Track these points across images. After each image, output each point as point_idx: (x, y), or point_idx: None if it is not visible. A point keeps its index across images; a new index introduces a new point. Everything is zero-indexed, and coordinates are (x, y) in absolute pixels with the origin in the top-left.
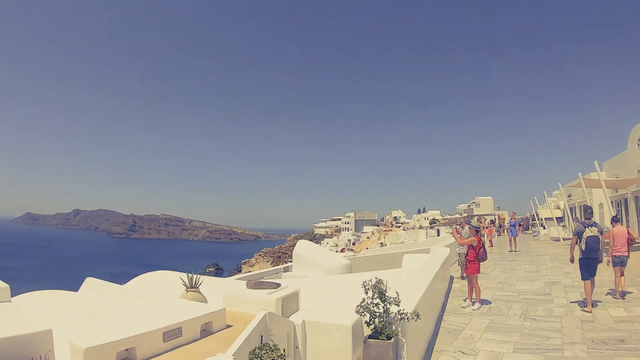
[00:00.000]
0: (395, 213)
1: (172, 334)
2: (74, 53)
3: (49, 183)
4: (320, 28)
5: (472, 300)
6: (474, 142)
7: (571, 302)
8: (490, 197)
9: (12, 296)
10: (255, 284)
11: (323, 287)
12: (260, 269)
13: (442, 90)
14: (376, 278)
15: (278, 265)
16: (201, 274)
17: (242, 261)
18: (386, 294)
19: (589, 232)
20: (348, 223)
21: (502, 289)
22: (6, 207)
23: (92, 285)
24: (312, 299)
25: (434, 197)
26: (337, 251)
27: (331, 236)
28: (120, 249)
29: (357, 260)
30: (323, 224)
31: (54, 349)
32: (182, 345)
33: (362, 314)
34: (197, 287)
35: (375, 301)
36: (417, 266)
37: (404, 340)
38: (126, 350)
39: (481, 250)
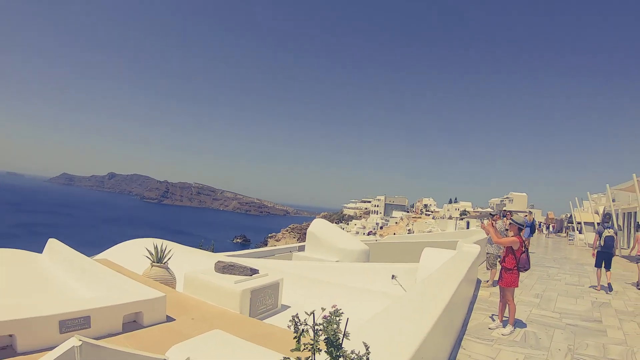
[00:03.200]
0: (426, 200)
1: (73, 324)
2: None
3: (86, 145)
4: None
5: (504, 319)
6: (513, 136)
7: (629, 336)
8: (524, 193)
9: None
10: (225, 267)
11: (326, 276)
12: (286, 244)
13: (490, 84)
14: (334, 307)
15: (304, 242)
16: (228, 245)
17: (269, 235)
18: (342, 345)
19: (607, 233)
20: (377, 206)
21: (539, 306)
22: (43, 166)
23: (52, 248)
24: (304, 290)
25: (467, 188)
26: (364, 233)
27: (360, 218)
28: (151, 214)
29: (377, 246)
30: (353, 205)
31: None
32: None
33: None
34: (163, 262)
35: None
36: (438, 264)
37: None
38: (10, 336)
39: (523, 255)
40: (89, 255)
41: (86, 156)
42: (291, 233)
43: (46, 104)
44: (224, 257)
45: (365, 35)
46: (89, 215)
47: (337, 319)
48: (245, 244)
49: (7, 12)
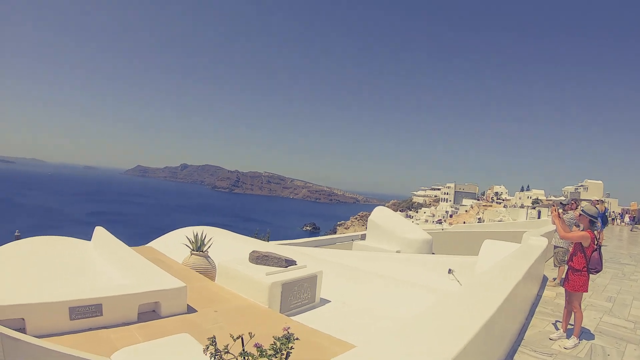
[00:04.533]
0: (497, 188)
1: (84, 311)
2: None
3: (160, 138)
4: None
5: (568, 328)
6: (588, 122)
7: None
8: (600, 181)
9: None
10: (260, 257)
11: (377, 268)
12: (355, 232)
13: (563, 66)
14: (285, 330)
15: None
16: (298, 232)
17: (338, 222)
18: None
19: None
20: (447, 194)
21: (611, 312)
22: (119, 159)
23: (98, 236)
24: (349, 283)
25: (540, 175)
26: (433, 222)
27: (429, 206)
28: (223, 202)
29: (443, 235)
30: (422, 193)
31: None
32: (101, 327)
33: None
34: (203, 251)
35: None
36: (497, 258)
37: None
38: (22, 319)
39: (595, 254)
40: (144, 244)
41: (160, 148)
42: (360, 221)
43: (121, 101)
44: (275, 245)
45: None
46: (160, 204)
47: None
48: (314, 232)
49: (90, 15)
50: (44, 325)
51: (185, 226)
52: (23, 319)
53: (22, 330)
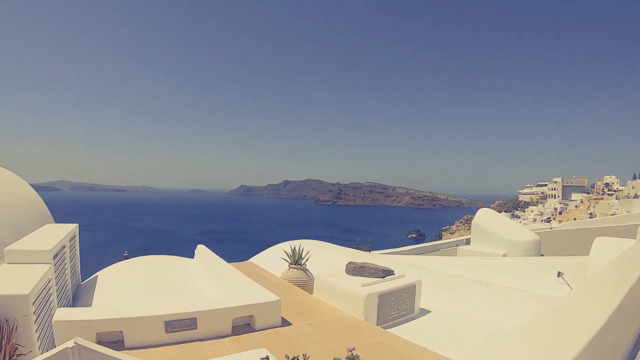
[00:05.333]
0: (607, 179)
1: (179, 325)
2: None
3: (262, 157)
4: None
5: None
6: None
7: None
8: None
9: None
10: (356, 268)
11: (482, 274)
12: (460, 237)
13: None
14: (349, 352)
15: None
16: (402, 240)
17: (443, 228)
18: None
19: None
20: (554, 189)
21: None
22: (224, 180)
23: (199, 253)
24: (451, 293)
25: None
26: (541, 221)
27: (536, 203)
28: (325, 215)
29: (552, 234)
30: (528, 190)
31: (31, 314)
32: (196, 340)
33: None
34: (301, 264)
35: None
36: (611, 257)
37: None
38: (121, 332)
39: None
40: (247, 259)
41: (262, 166)
42: (465, 225)
43: (222, 124)
44: (375, 255)
45: None
46: (265, 220)
47: None
48: (420, 239)
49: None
50: (140, 338)
51: (290, 240)
52: (121, 332)
53: (120, 342)
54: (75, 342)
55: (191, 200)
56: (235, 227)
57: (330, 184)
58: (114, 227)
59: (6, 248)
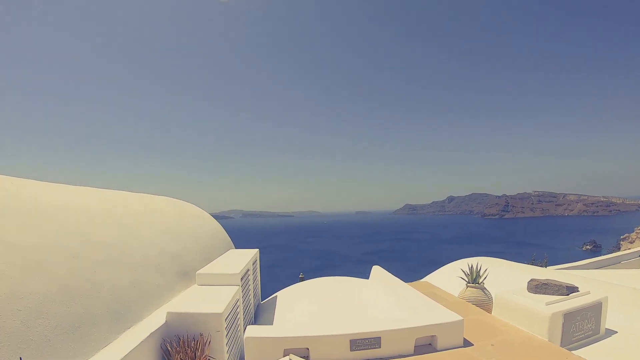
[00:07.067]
0: None
1: (363, 343)
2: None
3: (425, 174)
4: None
5: None
6: None
7: None
8: None
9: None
10: (538, 285)
11: None
12: None
13: None
14: None
15: None
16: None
17: (621, 237)
18: None
19: None
20: None
21: None
22: (389, 201)
23: (375, 274)
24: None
25: None
26: None
27: None
28: (491, 230)
29: None
30: None
31: (223, 330)
32: (379, 359)
33: None
34: (479, 282)
35: None
36: None
37: None
38: (307, 349)
39: None
40: (418, 278)
41: (425, 185)
42: None
43: (384, 144)
44: (552, 271)
45: None
46: (430, 238)
47: None
48: (595, 251)
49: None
50: (326, 355)
51: (456, 257)
52: (307, 349)
53: (306, 358)
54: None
55: (357, 222)
56: (401, 246)
57: (496, 196)
58: (284, 249)
59: (198, 271)
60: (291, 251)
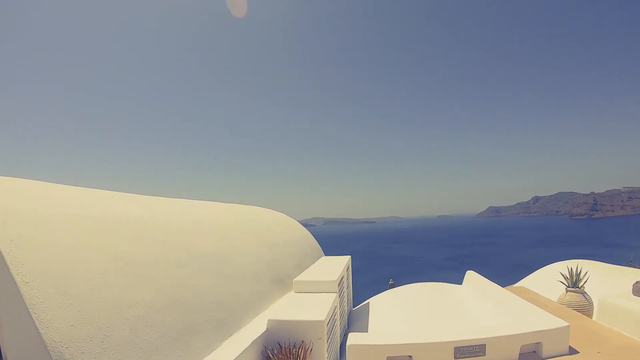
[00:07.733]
0: None
1: (468, 351)
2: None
3: (509, 174)
4: None
5: None
6: None
7: None
8: None
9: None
10: None
11: None
12: None
13: None
14: None
15: None
16: None
17: None
18: None
19: None
20: None
21: None
22: (472, 204)
23: (469, 279)
24: None
25: None
26: None
27: None
28: (581, 230)
29: None
30: None
31: (324, 337)
32: None
33: None
34: (579, 287)
35: None
36: None
37: None
38: (410, 356)
39: None
40: (510, 282)
41: (509, 186)
42: None
43: (462, 146)
44: None
45: None
46: (515, 241)
47: None
48: None
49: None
50: None
51: (543, 261)
52: (410, 356)
53: None
54: None
55: (439, 226)
56: (486, 250)
57: (583, 195)
58: (367, 256)
59: (295, 279)
60: (373, 257)
